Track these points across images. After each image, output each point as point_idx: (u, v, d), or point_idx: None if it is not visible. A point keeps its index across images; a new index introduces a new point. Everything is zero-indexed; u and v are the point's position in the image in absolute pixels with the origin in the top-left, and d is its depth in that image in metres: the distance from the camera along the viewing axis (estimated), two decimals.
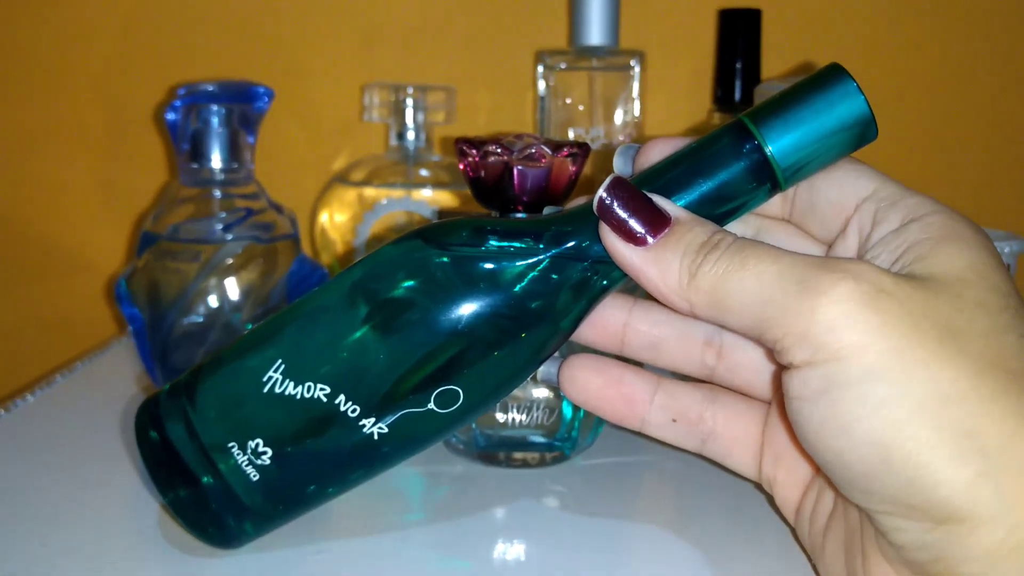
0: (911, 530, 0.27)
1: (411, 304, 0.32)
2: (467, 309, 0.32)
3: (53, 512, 0.39)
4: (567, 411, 0.44)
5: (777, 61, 0.67)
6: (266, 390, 0.33)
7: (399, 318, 0.32)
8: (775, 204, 0.34)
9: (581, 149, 0.41)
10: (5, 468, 0.43)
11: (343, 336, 0.33)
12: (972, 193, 0.71)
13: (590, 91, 0.64)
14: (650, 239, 0.30)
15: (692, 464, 0.45)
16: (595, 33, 0.62)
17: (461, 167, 0.41)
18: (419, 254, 0.32)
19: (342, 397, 0.32)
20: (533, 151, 0.39)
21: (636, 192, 0.31)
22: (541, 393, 0.43)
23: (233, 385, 0.34)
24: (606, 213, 0.31)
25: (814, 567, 0.35)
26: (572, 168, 0.41)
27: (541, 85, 0.64)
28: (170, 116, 0.50)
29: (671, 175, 0.31)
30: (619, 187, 0.31)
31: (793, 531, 0.38)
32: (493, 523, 0.39)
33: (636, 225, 0.30)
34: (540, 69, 0.64)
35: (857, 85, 0.30)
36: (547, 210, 0.36)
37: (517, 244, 0.32)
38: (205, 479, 0.34)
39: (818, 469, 0.33)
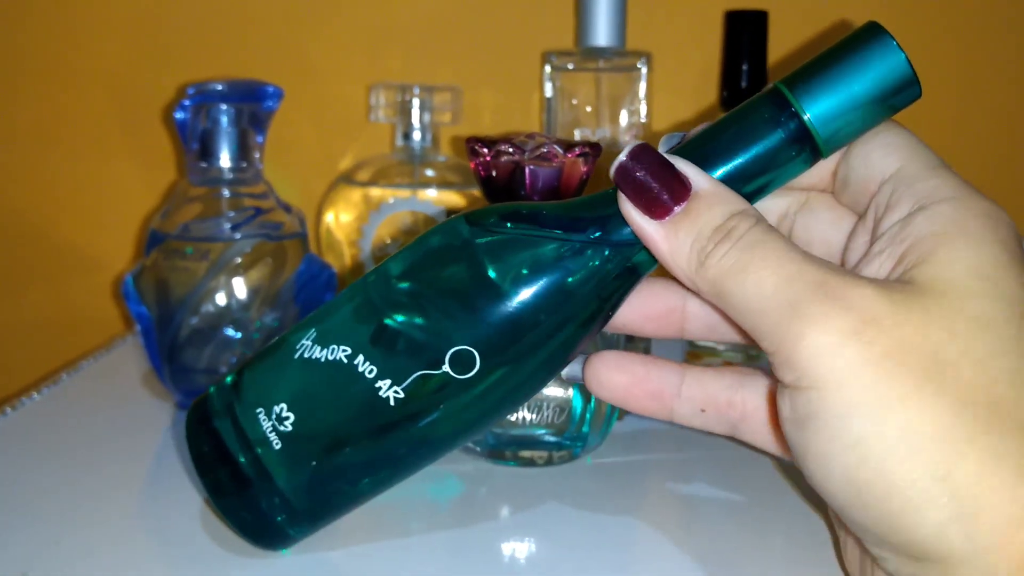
0: (893, 561, 0.27)
1: (434, 281, 0.32)
2: (490, 291, 0.31)
3: (60, 511, 0.39)
4: (577, 410, 0.44)
5: (783, 62, 0.67)
6: (296, 356, 0.33)
7: (418, 284, 0.32)
8: (825, 179, 0.32)
9: (593, 149, 0.41)
10: (12, 466, 0.43)
11: (367, 302, 0.33)
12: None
13: (596, 92, 0.64)
14: (671, 208, 0.29)
15: (701, 463, 0.45)
16: (602, 34, 0.62)
17: (472, 166, 0.41)
18: (452, 232, 0.33)
19: (361, 357, 0.32)
20: (545, 151, 0.39)
21: (658, 157, 0.30)
22: (551, 392, 0.44)
23: (269, 360, 0.34)
24: (624, 180, 0.30)
25: (839, 555, 0.35)
26: (584, 168, 0.41)
27: (548, 86, 0.64)
28: (179, 115, 0.50)
29: (706, 148, 0.30)
30: (641, 153, 0.30)
31: (803, 531, 0.38)
32: (501, 521, 0.39)
33: (655, 195, 0.29)
34: (547, 70, 0.64)
35: (897, 43, 0.28)
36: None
37: (551, 228, 0.32)
38: (241, 459, 0.34)
39: None
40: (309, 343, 0.33)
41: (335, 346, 0.33)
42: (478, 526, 0.38)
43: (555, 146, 0.40)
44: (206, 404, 0.35)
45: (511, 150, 0.40)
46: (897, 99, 0.29)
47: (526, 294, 0.31)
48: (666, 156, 0.30)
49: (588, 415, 0.44)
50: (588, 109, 0.63)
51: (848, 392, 0.26)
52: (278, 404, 0.33)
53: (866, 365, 0.26)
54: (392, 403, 0.32)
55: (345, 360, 0.32)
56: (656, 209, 0.29)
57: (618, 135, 0.63)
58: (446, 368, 0.32)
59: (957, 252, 0.27)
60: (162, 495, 0.41)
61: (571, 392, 0.43)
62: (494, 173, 0.41)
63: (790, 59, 0.68)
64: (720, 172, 0.30)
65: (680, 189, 0.29)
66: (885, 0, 0.69)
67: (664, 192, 0.29)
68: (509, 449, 0.44)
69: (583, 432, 0.44)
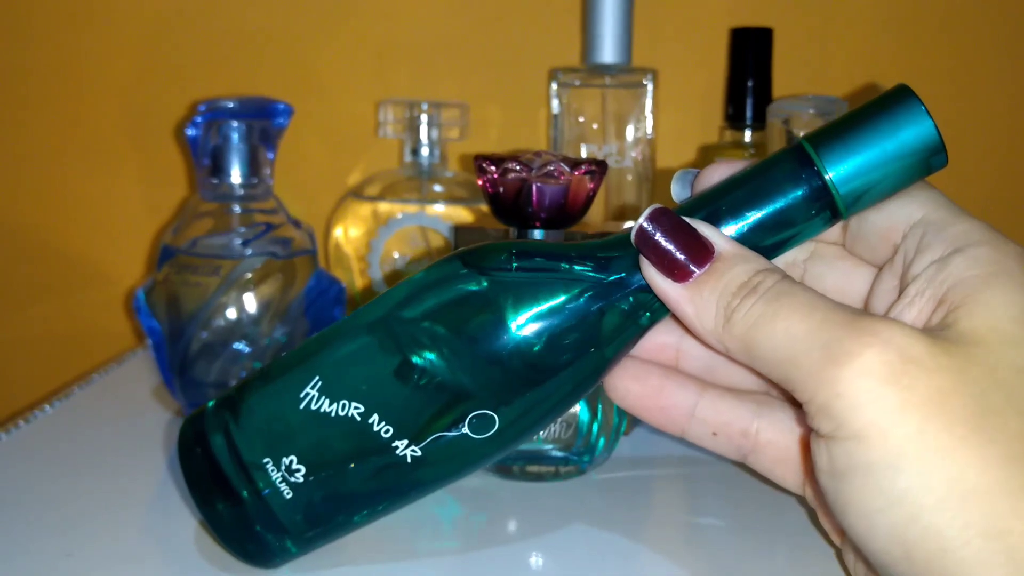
0: None
1: (448, 329, 0.32)
2: (505, 336, 0.31)
3: (71, 524, 0.39)
4: (584, 425, 0.44)
5: (788, 79, 0.67)
6: (302, 407, 0.32)
7: (435, 342, 0.32)
8: (832, 231, 0.32)
9: (599, 167, 0.41)
10: (24, 479, 0.44)
11: (380, 356, 0.32)
12: (979, 204, 0.71)
13: (603, 108, 0.64)
14: (692, 273, 0.29)
15: (706, 479, 0.45)
16: (608, 51, 0.63)
17: (480, 183, 0.42)
18: (457, 277, 0.32)
19: (375, 417, 0.32)
20: (552, 168, 0.40)
21: (678, 222, 0.29)
22: None
23: (273, 400, 0.34)
24: (645, 244, 0.30)
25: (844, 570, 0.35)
26: (590, 185, 0.41)
27: (554, 102, 0.65)
28: (191, 132, 0.51)
29: (725, 201, 0.30)
30: (660, 217, 0.29)
31: (806, 548, 0.38)
32: (508, 537, 0.39)
33: (677, 258, 0.29)
34: (553, 86, 0.65)
35: (926, 109, 0.28)
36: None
37: (559, 271, 0.31)
38: (244, 493, 0.33)
39: None
40: (315, 393, 0.32)
41: (346, 402, 0.32)
42: (484, 541, 0.39)
43: (562, 164, 0.40)
44: (202, 424, 0.35)
45: (518, 168, 0.40)
46: (923, 166, 0.28)
47: (543, 340, 0.31)
48: (686, 220, 0.30)
49: (595, 430, 0.44)
50: (595, 126, 0.64)
51: (891, 442, 0.25)
52: (287, 456, 0.33)
53: (908, 411, 0.25)
54: (409, 460, 0.32)
55: (358, 418, 0.32)
56: (678, 272, 0.29)
57: (624, 151, 0.64)
58: (465, 430, 0.32)
59: (999, 298, 0.26)
60: (172, 509, 0.41)
61: (578, 407, 0.44)
62: (501, 190, 0.41)
63: (795, 76, 0.69)
64: (740, 226, 0.30)
65: (702, 252, 0.29)
66: (890, 19, 0.69)
67: (686, 255, 0.29)
68: (516, 464, 0.44)
69: (590, 447, 0.44)
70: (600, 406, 0.44)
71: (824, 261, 0.33)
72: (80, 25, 0.69)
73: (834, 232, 0.33)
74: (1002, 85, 0.71)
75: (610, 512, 0.42)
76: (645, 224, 0.30)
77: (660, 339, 0.35)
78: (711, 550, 0.38)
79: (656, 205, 0.30)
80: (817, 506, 0.35)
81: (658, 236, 0.29)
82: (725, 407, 0.35)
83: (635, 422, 0.51)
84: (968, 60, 0.70)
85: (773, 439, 0.34)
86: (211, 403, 0.35)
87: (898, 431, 0.25)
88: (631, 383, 0.34)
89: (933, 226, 0.29)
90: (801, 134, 0.52)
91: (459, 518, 0.41)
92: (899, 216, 0.30)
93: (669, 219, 0.29)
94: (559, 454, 0.44)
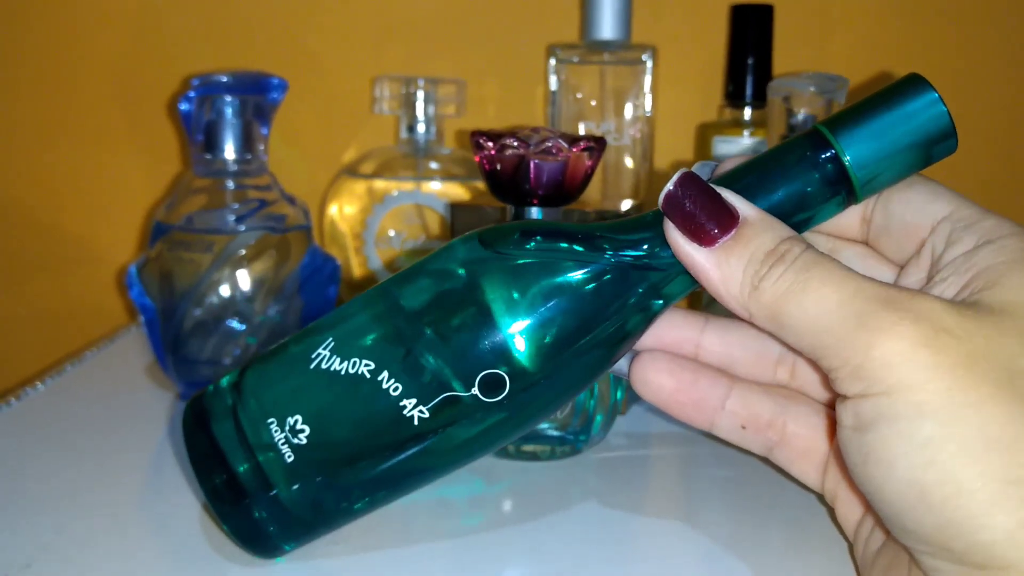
0: (951, 573, 0.26)
1: (465, 301, 0.32)
2: (522, 315, 0.31)
3: (63, 501, 0.39)
4: (580, 404, 0.44)
5: (788, 56, 0.66)
6: (312, 366, 0.32)
7: (452, 317, 0.32)
8: (851, 226, 0.33)
9: (597, 143, 0.41)
10: (16, 456, 0.43)
11: (395, 317, 0.32)
12: (980, 192, 0.71)
13: (601, 85, 0.63)
14: (718, 238, 0.29)
15: (703, 459, 0.45)
16: (607, 27, 0.62)
17: (477, 160, 0.41)
18: (476, 256, 0.32)
19: (385, 373, 0.31)
20: (550, 145, 0.39)
21: (705, 187, 0.30)
22: None
23: (279, 366, 0.33)
24: (673, 208, 0.30)
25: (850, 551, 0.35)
26: (588, 162, 0.41)
27: (552, 79, 0.64)
28: (184, 107, 0.50)
29: (743, 182, 0.30)
30: (688, 182, 0.30)
31: (805, 524, 0.38)
32: (504, 516, 0.39)
33: (703, 222, 0.29)
34: (552, 63, 0.64)
35: (939, 95, 0.29)
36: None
37: (578, 249, 0.31)
38: (242, 467, 0.33)
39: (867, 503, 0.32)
40: (327, 353, 0.32)
41: (357, 359, 0.32)
42: (481, 521, 0.39)
43: (560, 140, 0.40)
44: (204, 404, 0.34)
45: (515, 144, 0.40)
46: (934, 151, 0.30)
47: (557, 318, 0.31)
48: (713, 187, 0.30)
49: (591, 409, 0.44)
50: (593, 103, 0.63)
51: (920, 394, 0.25)
52: (292, 415, 0.32)
53: (940, 369, 0.25)
54: (416, 422, 0.32)
55: (368, 375, 0.31)
56: (704, 237, 0.30)
57: (623, 128, 0.63)
58: (475, 391, 0.31)
59: None
60: (164, 487, 0.41)
61: None
62: (498, 167, 0.41)
63: (795, 54, 0.68)
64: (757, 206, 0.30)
65: (728, 218, 0.29)
66: None
67: (712, 220, 0.29)
68: (512, 443, 0.44)
69: (586, 426, 0.44)
70: (596, 385, 0.44)
71: (844, 259, 0.33)
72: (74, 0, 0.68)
73: (855, 229, 0.33)
74: (1004, 66, 0.70)
75: (606, 491, 0.41)
76: (673, 188, 0.30)
77: (680, 334, 0.35)
78: (708, 529, 0.38)
79: (684, 169, 0.31)
80: (833, 498, 0.35)
81: (685, 200, 0.30)
82: (754, 400, 0.35)
83: (632, 401, 0.50)
84: (970, 38, 0.70)
85: (798, 432, 0.35)
86: (211, 387, 0.35)
87: (928, 386, 0.25)
88: (665, 378, 0.35)
89: (962, 222, 0.29)
90: (802, 111, 0.52)
91: (455, 498, 0.41)
92: (927, 212, 0.30)
93: (697, 183, 0.30)
94: (555, 433, 0.44)
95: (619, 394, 0.45)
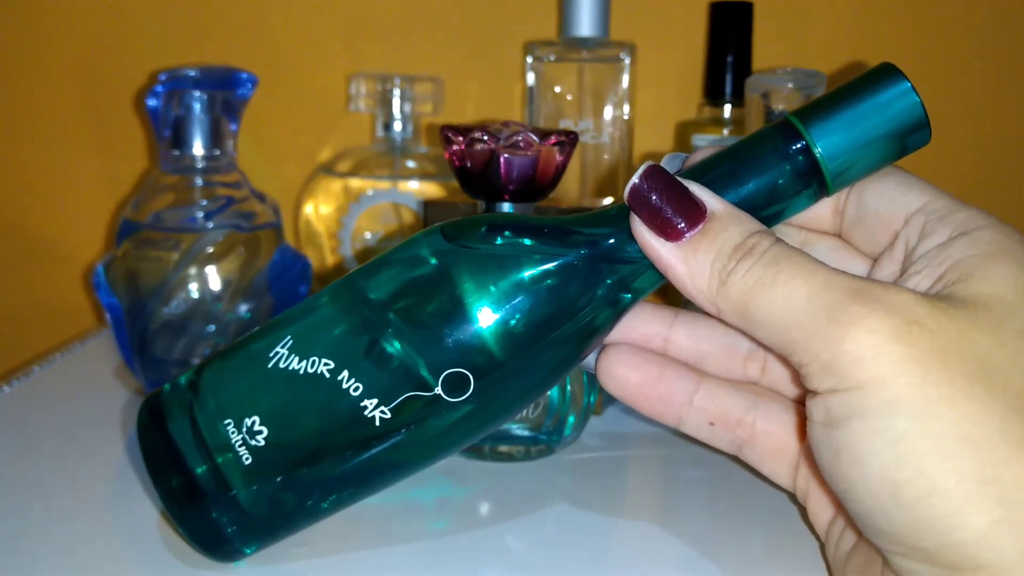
0: (923, 574, 0.26)
1: (428, 297, 0.31)
2: (487, 309, 0.30)
3: (26, 506, 0.38)
4: (553, 404, 0.43)
5: (768, 54, 0.66)
6: (270, 365, 0.31)
7: (415, 310, 0.31)
8: (824, 218, 0.32)
9: (569, 138, 0.40)
10: None
11: (354, 315, 0.31)
12: (957, 184, 0.71)
13: (579, 83, 0.63)
14: (685, 233, 0.29)
15: (678, 460, 0.44)
16: (585, 24, 0.61)
17: (447, 155, 0.41)
18: (437, 250, 0.31)
19: (345, 373, 0.30)
20: (520, 139, 0.39)
21: (672, 180, 0.29)
22: None
23: (237, 365, 0.32)
24: (638, 202, 0.29)
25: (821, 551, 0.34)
26: (559, 157, 0.40)
27: (530, 76, 0.63)
28: (151, 102, 0.49)
29: (712, 174, 0.30)
30: (654, 175, 0.29)
31: (782, 524, 0.38)
32: (477, 517, 0.38)
33: (670, 216, 0.29)
34: (529, 60, 0.63)
35: (911, 85, 0.28)
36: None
37: (544, 243, 0.31)
38: (199, 469, 0.32)
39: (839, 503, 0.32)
40: (284, 352, 0.31)
41: (316, 358, 0.31)
42: (455, 523, 0.38)
43: (530, 134, 0.39)
44: (160, 403, 0.33)
45: (485, 138, 0.39)
46: (907, 141, 0.29)
47: (523, 314, 0.30)
48: (679, 179, 0.29)
49: (564, 409, 0.43)
50: (570, 99, 0.63)
51: (892, 389, 0.25)
52: (249, 416, 0.31)
53: (911, 363, 0.25)
54: (377, 423, 0.31)
55: (327, 375, 0.31)
56: (671, 232, 0.29)
57: (601, 126, 0.63)
58: (438, 391, 0.30)
59: (1003, 269, 0.27)
60: (130, 491, 0.40)
61: None
62: (468, 163, 0.40)
63: (775, 52, 0.67)
64: (727, 200, 0.29)
65: (695, 212, 0.29)
66: None
67: (679, 215, 0.29)
68: (486, 444, 0.43)
69: (559, 426, 0.43)
70: (568, 386, 0.43)
71: (816, 252, 0.33)
72: None
73: (827, 222, 0.32)
74: (981, 63, 0.70)
75: (581, 492, 0.41)
76: (638, 181, 0.29)
77: (648, 329, 0.35)
78: (683, 531, 0.37)
79: (650, 162, 0.30)
80: (805, 497, 0.34)
81: (651, 194, 0.29)
82: (723, 395, 0.34)
83: (606, 402, 0.50)
84: (947, 36, 0.69)
85: (769, 429, 0.34)
86: (168, 384, 0.34)
87: (900, 380, 0.25)
88: (630, 371, 0.34)
89: (936, 213, 0.29)
90: (780, 107, 0.51)
91: (429, 500, 0.40)
92: (901, 204, 0.30)
93: (663, 176, 0.29)
94: (528, 433, 0.43)
95: (593, 396, 0.45)
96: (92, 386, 0.53)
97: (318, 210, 0.64)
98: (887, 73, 0.29)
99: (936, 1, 0.69)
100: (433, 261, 0.31)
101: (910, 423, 0.25)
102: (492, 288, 0.30)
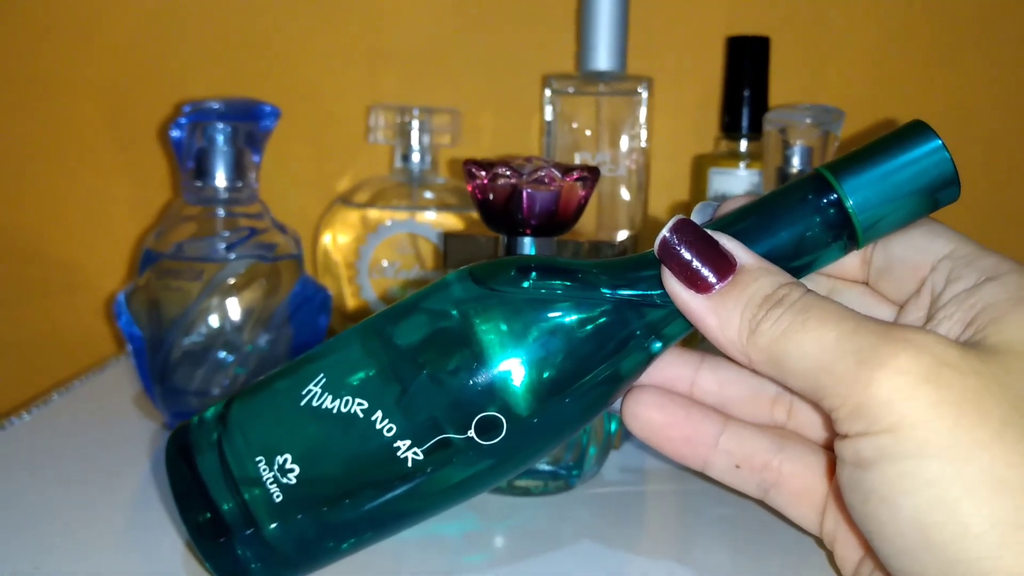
0: None
1: (460, 342, 0.31)
2: (519, 354, 0.30)
3: (47, 533, 0.38)
4: (573, 440, 0.43)
5: (785, 89, 0.66)
6: (303, 403, 0.31)
7: (449, 357, 0.31)
8: (851, 267, 0.33)
9: (591, 173, 0.40)
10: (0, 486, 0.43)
11: (389, 356, 0.31)
12: (973, 225, 0.71)
13: (597, 116, 0.63)
14: (714, 285, 0.29)
15: (699, 495, 0.44)
16: (603, 58, 0.62)
17: (469, 189, 0.41)
18: (470, 295, 0.31)
19: (379, 414, 0.31)
20: (543, 174, 0.39)
21: (701, 233, 0.29)
22: None
23: (269, 402, 0.33)
24: (668, 255, 0.30)
25: None
26: (582, 192, 0.40)
27: (548, 109, 0.64)
28: (175, 133, 0.50)
29: (742, 225, 0.30)
30: (684, 228, 0.30)
31: (799, 562, 0.37)
32: (495, 551, 0.38)
33: (699, 269, 0.29)
34: (547, 93, 0.64)
35: (943, 143, 0.29)
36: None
37: (576, 290, 0.31)
38: (226, 505, 0.32)
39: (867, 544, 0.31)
40: (318, 390, 0.31)
41: (349, 398, 0.31)
42: (472, 557, 0.38)
43: (553, 170, 0.39)
44: (188, 437, 0.33)
45: (508, 173, 0.39)
46: (936, 197, 0.29)
47: (554, 360, 0.30)
48: (709, 232, 0.30)
49: (584, 444, 0.43)
50: (588, 133, 0.63)
51: (925, 433, 0.25)
52: (282, 454, 0.31)
53: (944, 406, 0.25)
54: (409, 464, 0.31)
55: (361, 415, 0.31)
56: (700, 284, 0.29)
57: (618, 159, 0.63)
58: (471, 433, 0.31)
59: None
60: (148, 520, 0.40)
61: None
62: (491, 196, 0.40)
63: (792, 86, 0.68)
64: (756, 251, 0.30)
65: (724, 265, 0.29)
66: (887, 27, 0.69)
67: (708, 267, 0.29)
68: None
69: (579, 461, 0.43)
70: None
71: (844, 299, 0.33)
72: (64, 23, 0.68)
73: (855, 270, 0.33)
74: (998, 97, 0.70)
75: (600, 528, 0.40)
76: (668, 234, 0.30)
77: (674, 372, 0.35)
78: (703, 569, 0.37)
79: (679, 216, 0.30)
80: (832, 540, 0.34)
81: (681, 247, 0.29)
82: (749, 438, 0.34)
83: (625, 436, 0.50)
84: (965, 70, 0.70)
85: (796, 471, 0.34)
86: (195, 417, 0.34)
87: (932, 424, 0.25)
88: (655, 412, 0.34)
89: (962, 259, 0.29)
90: (798, 143, 0.52)
91: (446, 534, 0.40)
92: (928, 251, 0.30)
93: (692, 230, 0.30)
94: (548, 468, 0.43)
95: (612, 427, 0.45)
96: (111, 413, 0.53)
97: (336, 240, 0.65)
98: (919, 130, 0.29)
99: (953, 37, 0.69)
100: (464, 306, 0.31)
101: (943, 466, 0.25)
102: (524, 334, 0.30)
